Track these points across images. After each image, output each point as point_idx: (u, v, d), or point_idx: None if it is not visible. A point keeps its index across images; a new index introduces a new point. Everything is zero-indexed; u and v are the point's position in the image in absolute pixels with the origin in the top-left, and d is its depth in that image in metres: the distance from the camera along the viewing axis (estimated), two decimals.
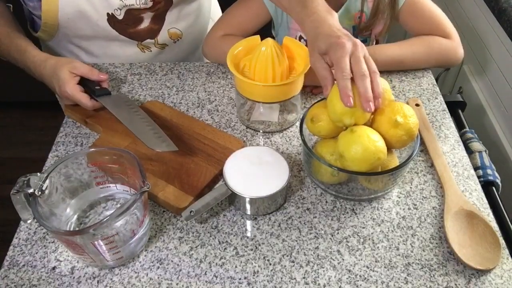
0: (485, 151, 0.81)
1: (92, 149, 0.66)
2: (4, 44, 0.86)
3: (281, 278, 0.62)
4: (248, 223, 0.69)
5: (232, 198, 0.69)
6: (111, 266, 0.63)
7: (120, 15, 0.93)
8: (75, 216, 0.68)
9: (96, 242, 0.57)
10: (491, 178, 0.76)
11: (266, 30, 1.04)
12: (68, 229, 0.65)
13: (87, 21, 0.91)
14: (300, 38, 1.00)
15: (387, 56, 0.89)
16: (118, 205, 0.69)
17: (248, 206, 0.68)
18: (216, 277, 0.62)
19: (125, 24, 0.92)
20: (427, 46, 0.92)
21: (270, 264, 0.64)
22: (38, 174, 0.60)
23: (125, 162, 0.64)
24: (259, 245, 0.66)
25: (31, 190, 0.58)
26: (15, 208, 0.60)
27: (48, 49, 1.03)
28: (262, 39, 0.78)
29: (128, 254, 0.63)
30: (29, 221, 0.62)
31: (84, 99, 0.79)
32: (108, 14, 0.91)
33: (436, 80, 0.95)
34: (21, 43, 0.85)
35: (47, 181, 0.60)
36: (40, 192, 0.59)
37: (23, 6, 0.92)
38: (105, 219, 0.55)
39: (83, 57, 0.99)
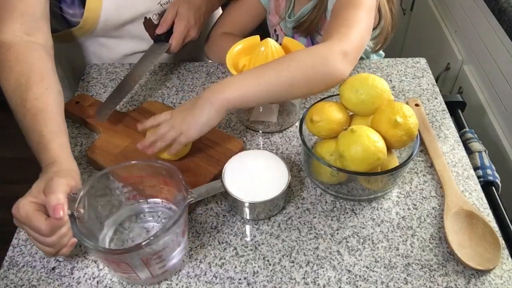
0: (485, 151, 0.81)
1: (122, 164, 0.63)
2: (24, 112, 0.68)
3: (281, 278, 0.62)
4: (248, 223, 0.69)
5: (234, 204, 0.69)
6: (155, 282, 0.61)
7: (156, 20, 0.94)
8: (111, 233, 0.65)
9: (145, 258, 0.56)
10: (491, 178, 0.76)
11: (265, 30, 1.04)
12: (108, 247, 0.63)
13: (124, 24, 0.92)
14: (275, 31, 1.00)
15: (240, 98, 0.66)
16: (151, 218, 0.67)
17: (247, 211, 0.68)
18: (216, 277, 0.62)
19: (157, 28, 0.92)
20: (293, 62, 0.66)
21: (270, 265, 0.64)
22: (71, 194, 0.57)
23: (158, 174, 0.62)
24: (259, 245, 0.66)
25: (68, 212, 0.55)
26: None
27: (56, 52, 1.02)
28: (261, 39, 0.78)
29: (171, 267, 0.62)
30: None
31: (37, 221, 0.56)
32: (145, 18, 0.93)
33: (436, 80, 0.95)
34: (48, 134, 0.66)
35: (82, 202, 0.58)
36: (77, 213, 0.57)
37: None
38: (158, 232, 0.53)
39: (104, 56, 0.99)
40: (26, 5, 0.74)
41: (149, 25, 0.95)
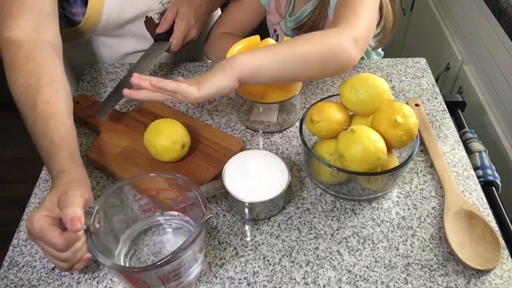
0: (485, 151, 0.81)
1: (140, 176, 0.62)
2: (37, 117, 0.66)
3: (281, 278, 0.62)
4: (248, 223, 0.69)
5: (234, 204, 0.69)
6: None
7: (158, 19, 0.94)
8: (126, 248, 0.63)
9: (163, 275, 0.55)
10: (491, 178, 0.76)
11: (265, 30, 1.04)
12: (121, 260, 0.62)
13: (125, 23, 0.92)
14: (275, 31, 1.00)
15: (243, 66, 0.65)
16: (168, 231, 0.66)
17: (247, 211, 0.68)
18: (216, 277, 0.62)
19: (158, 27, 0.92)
20: (306, 43, 0.68)
21: (270, 265, 0.64)
22: (88, 208, 0.56)
23: (175, 187, 0.61)
24: (259, 245, 0.66)
25: (83, 226, 0.54)
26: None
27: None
28: (261, 39, 0.78)
29: (188, 284, 0.60)
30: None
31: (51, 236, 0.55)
32: (146, 16, 0.93)
33: (436, 80, 0.95)
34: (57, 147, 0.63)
35: (97, 216, 0.57)
36: (93, 228, 0.55)
37: None
38: (177, 250, 0.52)
39: (104, 55, 0.99)
40: (34, 0, 0.73)
41: (150, 24, 0.95)
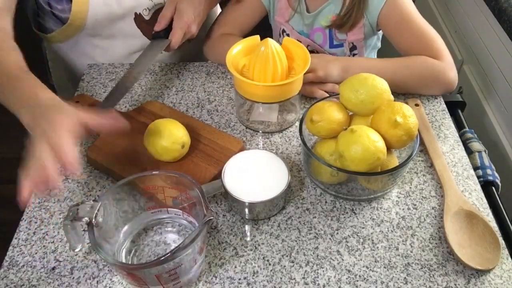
0: (485, 151, 0.81)
1: (145, 174, 0.62)
2: None
3: (281, 278, 0.62)
4: (248, 223, 0.69)
5: (234, 204, 0.69)
6: None
7: (148, 15, 0.93)
8: (127, 243, 0.64)
9: (159, 274, 0.55)
10: (490, 178, 0.76)
11: (265, 30, 1.04)
12: (123, 257, 0.62)
13: (114, 21, 0.91)
14: (283, 31, 1.00)
15: (360, 70, 0.74)
16: (170, 229, 0.67)
17: (247, 211, 0.68)
18: (216, 277, 0.62)
19: (150, 25, 0.90)
20: (411, 65, 0.85)
21: (270, 264, 0.64)
22: (88, 201, 0.57)
23: (179, 185, 0.61)
24: (259, 245, 0.66)
25: (86, 219, 0.55)
26: (66, 237, 0.58)
27: (54, 52, 1.02)
28: (261, 39, 0.78)
29: (186, 284, 0.60)
30: (77, 250, 0.60)
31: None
32: (135, 13, 0.92)
33: None
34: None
35: (101, 209, 0.57)
36: (95, 221, 0.55)
37: (30, 7, 0.91)
38: (174, 250, 0.52)
39: (98, 57, 0.99)
40: None
41: (140, 21, 0.93)
